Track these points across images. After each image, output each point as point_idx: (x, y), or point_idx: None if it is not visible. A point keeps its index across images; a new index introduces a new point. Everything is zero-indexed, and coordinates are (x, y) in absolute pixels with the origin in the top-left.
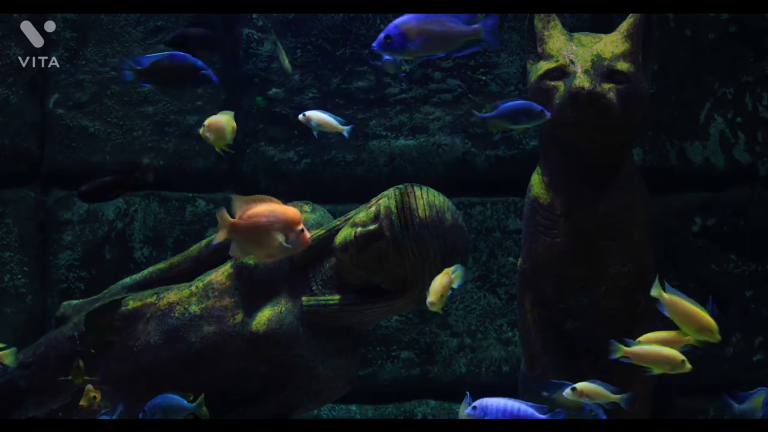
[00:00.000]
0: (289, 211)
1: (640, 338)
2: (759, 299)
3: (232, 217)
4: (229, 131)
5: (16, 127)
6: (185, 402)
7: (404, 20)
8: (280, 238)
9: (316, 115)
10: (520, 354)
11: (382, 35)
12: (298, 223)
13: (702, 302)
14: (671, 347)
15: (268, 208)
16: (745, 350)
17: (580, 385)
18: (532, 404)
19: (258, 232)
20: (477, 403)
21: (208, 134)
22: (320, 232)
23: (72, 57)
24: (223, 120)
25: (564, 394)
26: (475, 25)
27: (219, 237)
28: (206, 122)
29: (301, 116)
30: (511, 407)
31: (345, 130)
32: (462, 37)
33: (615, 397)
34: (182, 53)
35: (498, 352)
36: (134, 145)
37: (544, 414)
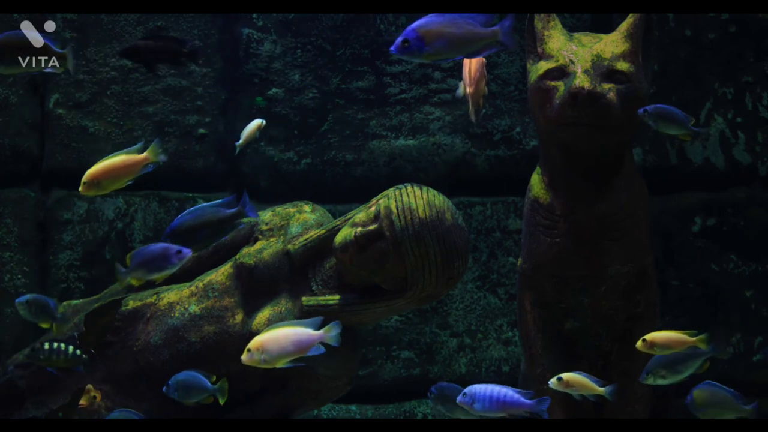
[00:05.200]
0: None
1: (646, 336)
2: (759, 299)
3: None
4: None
5: (16, 127)
6: (208, 383)
7: (422, 23)
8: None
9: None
10: (520, 354)
11: (399, 39)
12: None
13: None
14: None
15: (476, 64)
16: (745, 350)
17: (566, 376)
18: (518, 390)
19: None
20: (467, 390)
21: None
22: (320, 232)
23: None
24: (102, 166)
25: (550, 383)
26: (493, 27)
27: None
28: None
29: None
30: (497, 392)
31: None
32: (480, 39)
33: (600, 390)
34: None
35: (498, 352)
36: (134, 145)
37: (530, 399)
